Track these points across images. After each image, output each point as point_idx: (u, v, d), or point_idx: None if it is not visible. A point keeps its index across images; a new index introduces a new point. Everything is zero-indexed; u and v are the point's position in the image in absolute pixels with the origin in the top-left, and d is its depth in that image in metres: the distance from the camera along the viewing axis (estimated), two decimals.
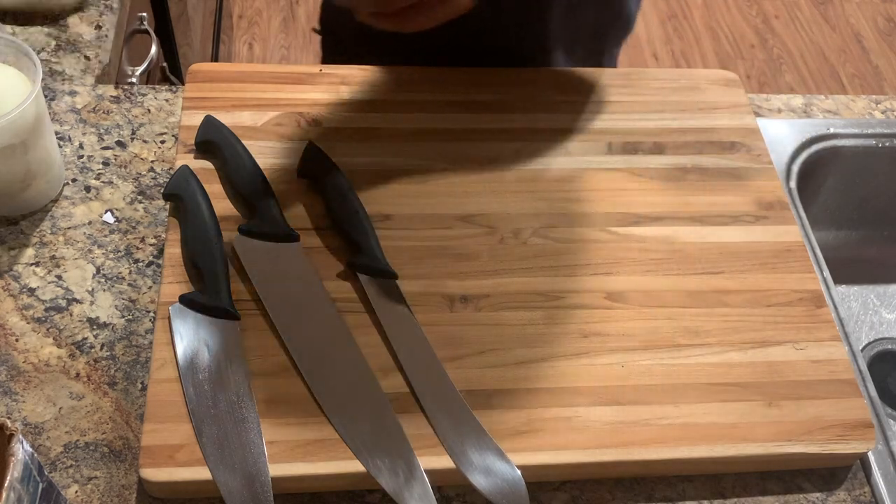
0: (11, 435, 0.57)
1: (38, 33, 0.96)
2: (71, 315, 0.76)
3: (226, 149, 0.82)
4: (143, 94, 0.92)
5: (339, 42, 1.09)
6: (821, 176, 1.01)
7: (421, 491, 0.66)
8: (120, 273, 0.79)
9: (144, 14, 1.19)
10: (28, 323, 0.75)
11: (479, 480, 0.68)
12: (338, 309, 0.75)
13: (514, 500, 0.67)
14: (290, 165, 0.84)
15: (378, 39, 0.79)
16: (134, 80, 1.08)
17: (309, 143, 0.84)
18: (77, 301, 0.77)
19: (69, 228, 0.81)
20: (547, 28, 0.98)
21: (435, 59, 0.94)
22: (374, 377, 0.71)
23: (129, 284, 0.78)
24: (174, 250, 0.77)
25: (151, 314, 0.76)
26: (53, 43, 0.96)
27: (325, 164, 0.82)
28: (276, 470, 0.66)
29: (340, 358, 0.72)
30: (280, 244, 0.77)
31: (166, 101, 0.91)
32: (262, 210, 0.78)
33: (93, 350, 0.74)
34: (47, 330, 0.75)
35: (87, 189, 0.84)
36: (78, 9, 0.96)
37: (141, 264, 0.79)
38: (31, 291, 0.77)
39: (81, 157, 0.86)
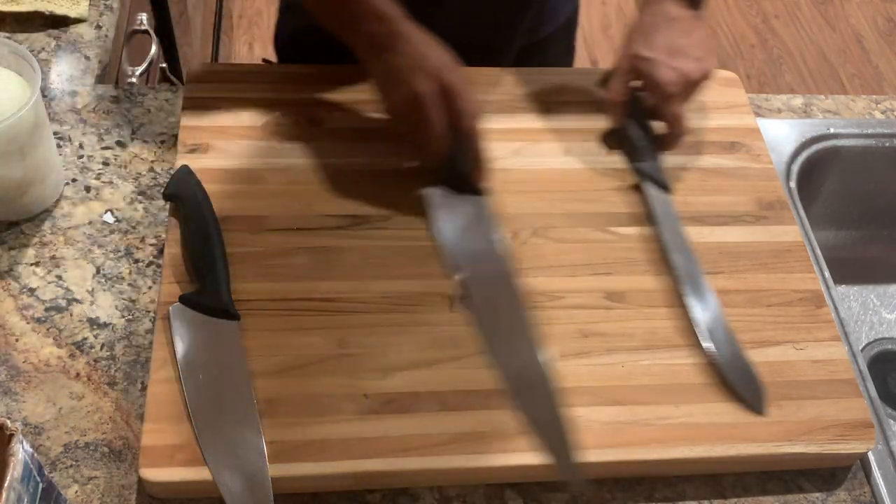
0: (11, 435, 0.57)
1: (39, 33, 0.96)
2: (71, 315, 0.76)
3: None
4: (143, 94, 0.92)
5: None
6: (821, 176, 1.01)
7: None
8: (120, 273, 0.79)
9: (144, 14, 1.19)
10: (28, 323, 0.75)
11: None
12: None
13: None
14: (290, 165, 0.84)
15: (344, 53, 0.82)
16: (134, 80, 1.08)
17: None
18: (77, 301, 0.77)
19: (69, 228, 0.81)
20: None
21: None
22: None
23: (129, 284, 0.78)
24: (174, 250, 0.77)
25: (151, 314, 0.76)
26: (53, 43, 0.96)
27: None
28: (276, 470, 0.66)
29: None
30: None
31: (166, 101, 0.91)
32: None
33: (93, 350, 0.74)
34: (47, 330, 0.75)
35: (87, 189, 0.84)
36: None
37: (141, 264, 0.79)
38: (31, 291, 0.77)
39: (81, 157, 0.86)
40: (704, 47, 0.85)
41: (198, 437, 0.67)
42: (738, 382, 0.74)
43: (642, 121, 0.89)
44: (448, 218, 0.81)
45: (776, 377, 0.75)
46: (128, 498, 0.67)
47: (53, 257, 0.79)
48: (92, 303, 0.77)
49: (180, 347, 0.71)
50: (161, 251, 0.79)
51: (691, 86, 0.83)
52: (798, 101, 1.03)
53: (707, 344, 0.76)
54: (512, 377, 0.72)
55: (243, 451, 0.66)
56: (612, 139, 0.90)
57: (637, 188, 0.86)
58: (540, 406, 0.71)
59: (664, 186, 0.86)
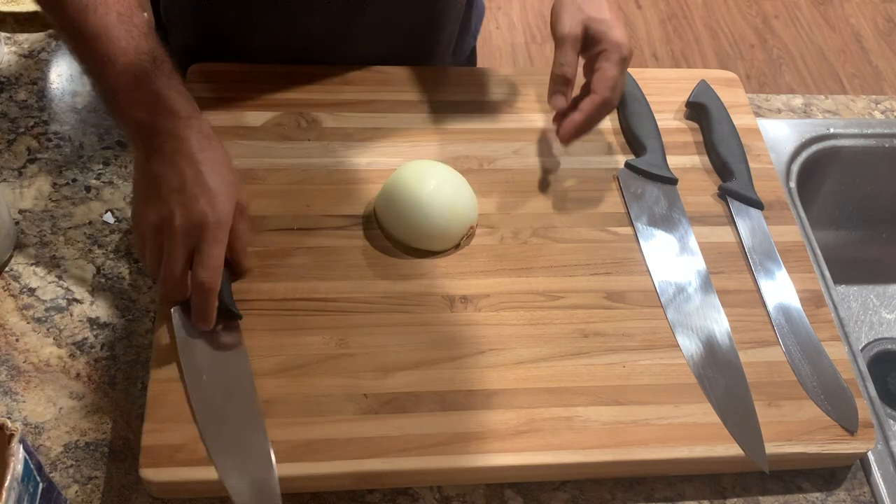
0: (11, 435, 0.57)
1: (39, 34, 0.96)
2: (71, 315, 0.76)
3: None
4: None
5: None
6: (821, 176, 1.01)
7: None
8: (120, 273, 0.79)
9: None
10: (28, 323, 0.75)
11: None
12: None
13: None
14: (290, 165, 0.84)
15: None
16: None
17: None
18: (77, 301, 0.77)
19: (69, 228, 0.81)
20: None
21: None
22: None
23: (129, 284, 0.78)
24: None
25: (151, 314, 0.76)
26: (54, 43, 0.96)
27: None
28: (277, 470, 0.66)
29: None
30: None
31: None
32: None
33: (93, 350, 0.74)
34: (47, 330, 0.75)
35: (87, 189, 0.84)
36: None
37: (141, 264, 0.79)
38: (32, 291, 0.77)
39: (82, 157, 0.86)
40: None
41: (203, 438, 0.67)
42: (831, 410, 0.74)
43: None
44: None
45: (776, 377, 0.75)
46: (128, 498, 0.67)
47: (53, 257, 0.79)
48: (92, 303, 0.77)
49: (182, 348, 0.71)
50: None
51: (629, 58, 0.80)
52: (798, 101, 1.03)
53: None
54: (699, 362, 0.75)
55: (249, 452, 0.66)
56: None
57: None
58: (726, 389, 0.73)
59: (754, 203, 0.86)
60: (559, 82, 0.80)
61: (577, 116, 0.80)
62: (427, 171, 0.80)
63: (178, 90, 0.69)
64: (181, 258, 0.68)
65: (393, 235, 0.80)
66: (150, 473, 0.65)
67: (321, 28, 0.90)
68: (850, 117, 1.02)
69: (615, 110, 0.93)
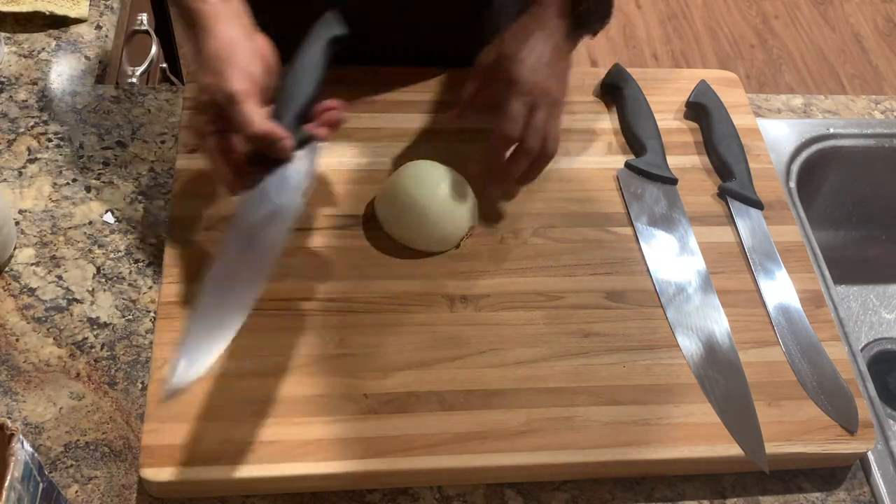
0: (12, 435, 0.57)
1: (39, 34, 0.96)
2: (71, 315, 0.76)
3: None
4: (144, 95, 0.92)
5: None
6: (821, 176, 1.01)
7: None
8: (120, 273, 0.79)
9: (144, 14, 1.19)
10: (28, 323, 0.75)
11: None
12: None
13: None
14: None
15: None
16: (134, 80, 1.08)
17: None
18: (77, 301, 0.77)
19: (69, 228, 0.81)
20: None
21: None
22: None
23: (129, 284, 0.78)
24: (174, 250, 0.77)
25: (151, 314, 0.76)
26: (53, 43, 0.96)
27: None
28: (277, 470, 0.66)
29: None
30: None
31: (166, 101, 0.91)
32: None
33: (93, 350, 0.74)
34: (48, 330, 0.75)
35: (88, 189, 0.84)
36: None
37: (141, 264, 0.79)
38: (32, 291, 0.77)
39: (82, 157, 0.86)
40: (565, 80, 0.79)
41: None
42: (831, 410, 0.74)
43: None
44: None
45: (776, 377, 0.76)
46: (128, 498, 0.67)
47: (53, 257, 0.79)
48: (92, 303, 0.77)
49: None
50: (161, 251, 0.79)
51: (547, 102, 0.77)
52: (798, 101, 1.03)
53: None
54: (700, 362, 0.75)
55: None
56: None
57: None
58: (726, 389, 0.74)
59: (754, 203, 0.86)
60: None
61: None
62: (427, 172, 0.80)
63: None
64: (203, 131, 0.67)
65: (393, 235, 0.80)
66: (150, 473, 0.65)
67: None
68: (849, 117, 1.02)
69: (616, 111, 0.93)
